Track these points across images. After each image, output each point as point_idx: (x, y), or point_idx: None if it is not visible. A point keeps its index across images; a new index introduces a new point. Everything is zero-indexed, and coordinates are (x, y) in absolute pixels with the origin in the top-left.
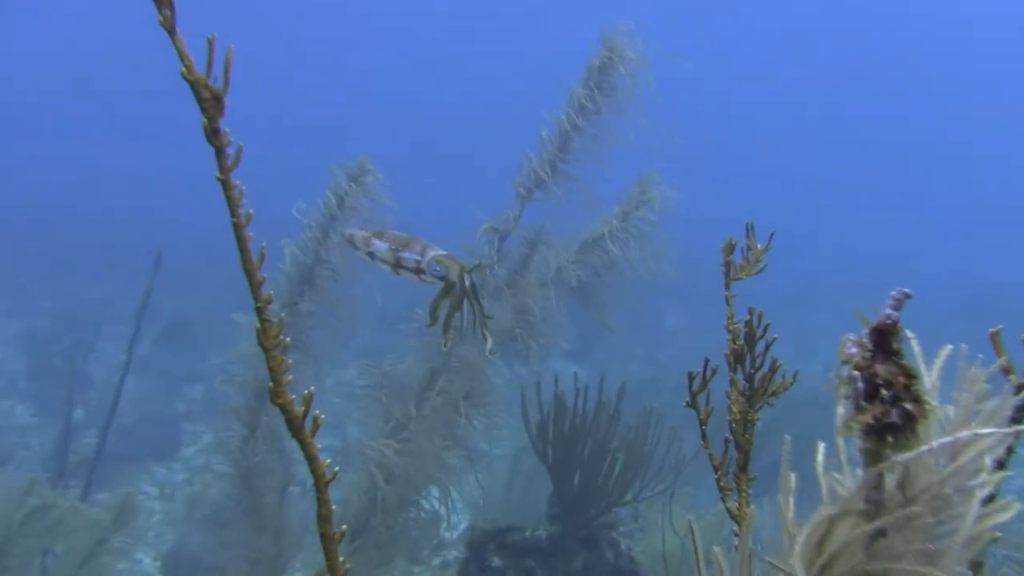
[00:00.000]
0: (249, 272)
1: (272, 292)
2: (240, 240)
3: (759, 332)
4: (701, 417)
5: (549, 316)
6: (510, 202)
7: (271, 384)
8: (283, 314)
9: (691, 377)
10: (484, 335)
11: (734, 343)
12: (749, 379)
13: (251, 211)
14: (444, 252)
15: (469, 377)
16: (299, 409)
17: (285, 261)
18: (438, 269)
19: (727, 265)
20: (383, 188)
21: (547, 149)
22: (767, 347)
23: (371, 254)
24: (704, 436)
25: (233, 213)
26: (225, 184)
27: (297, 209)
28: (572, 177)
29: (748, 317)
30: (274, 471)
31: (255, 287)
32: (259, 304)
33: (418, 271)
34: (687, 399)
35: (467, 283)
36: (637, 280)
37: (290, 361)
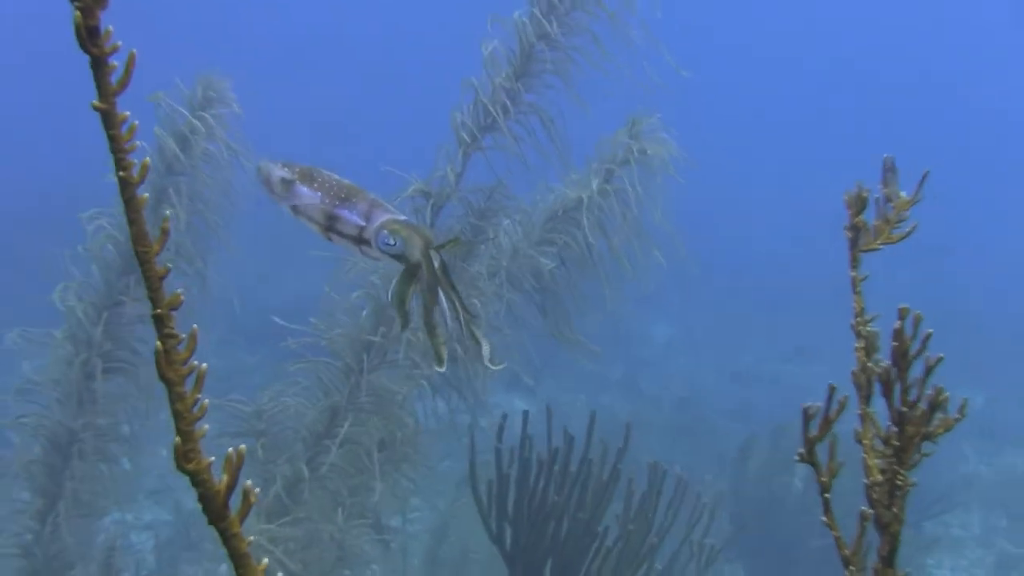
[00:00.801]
0: (144, 258)
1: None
2: (130, 206)
3: (915, 345)
4: (823, 478)
5: (500, 323)
6: (448, 153)
7: (177, 440)
8: (102, 321)
9: (807, 417)
10: (475, 338)
11: (867, 358)
12: (899, 419)
13: (148, 160)
14: (401, 217)
15: (385, 417)
16: (220, 482)
17: (97, 242)
18: (391, 243)
19: (855, 228)
20: (239, 125)
21: (501, 71)
22: (928, 371)
23: (293, 206)
24: (828, 509)
25: (119, 163)
26: (107, 116)
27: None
28: (538, 111)
29: (898, 324)
30: (83, 564)
31: (153, 280)
32: (159, 310)
33: (360, 241)
34: (799, 452)
35: (435, 265)
36: (618, 273)
37: (205, 402)
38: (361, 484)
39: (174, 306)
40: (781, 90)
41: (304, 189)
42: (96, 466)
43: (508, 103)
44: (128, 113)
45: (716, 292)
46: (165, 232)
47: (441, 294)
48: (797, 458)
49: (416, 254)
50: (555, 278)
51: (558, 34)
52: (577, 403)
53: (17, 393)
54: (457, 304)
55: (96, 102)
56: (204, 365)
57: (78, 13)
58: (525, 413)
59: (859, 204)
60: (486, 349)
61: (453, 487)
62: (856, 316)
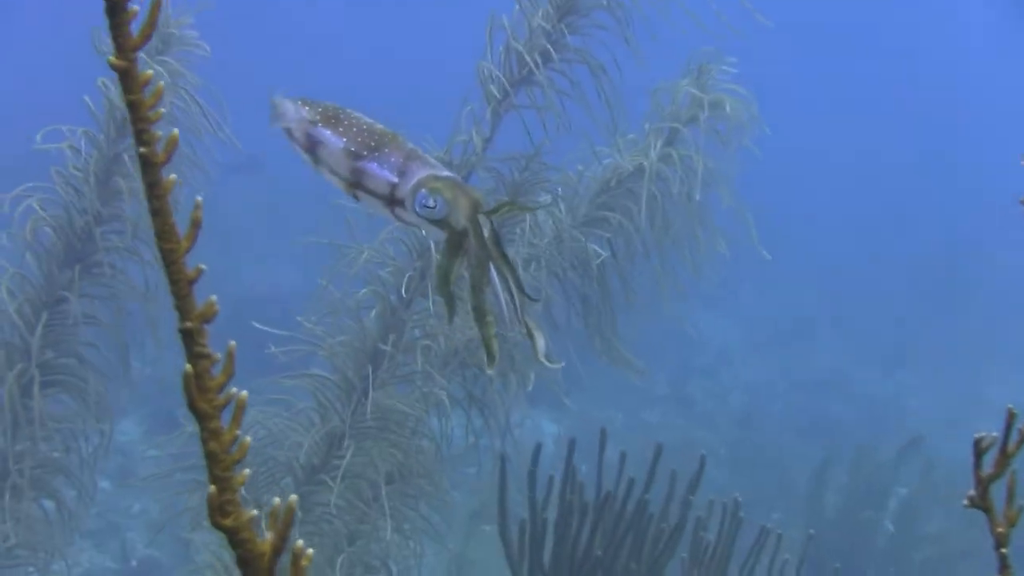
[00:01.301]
0: (170, 257)
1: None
2: (154, 192)
3: None
4: (1000, 528)
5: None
6: (474, 112)
7: (212, 490)
8: (41, 323)
9: (980, 450)
10: (527, 328)
11: None
12: None
13: (176, 133)
14: (444, 172)
15: (394, 444)
16: (264, 542)
17: (29, 227)
18: (431, 205)
19: None
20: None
21: (539, 7)
22: None
23: (313, 154)
24: (1005, 568)
25: (140, 136)
26: (126, 75)
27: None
28: (586, 58)
29: None
30: None
31: (181, 286)
32: (190, 323)
33: (393, 201)
34: (969, 495)
35: (485, 234)
36: (678, 262)
37: (246, 440)
38: (365, 527)
39: (207, 318)
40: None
41: (326, 133)
42: (34, 506)
43: (549, 48)
44: (151, 72)
45: (783, 284)
46: (197, 224)
47: (492, 270)
48: (966, 503)
49: (462, 219)
50: (604, 268)
51: None
52: (615, 421)
53: None
54: (512, 283)
55: (113, 58)
56: (244, 393)
57: None
58: (571, 443)
59: None
60: (541, 343)
61: (466, 520)
62: None
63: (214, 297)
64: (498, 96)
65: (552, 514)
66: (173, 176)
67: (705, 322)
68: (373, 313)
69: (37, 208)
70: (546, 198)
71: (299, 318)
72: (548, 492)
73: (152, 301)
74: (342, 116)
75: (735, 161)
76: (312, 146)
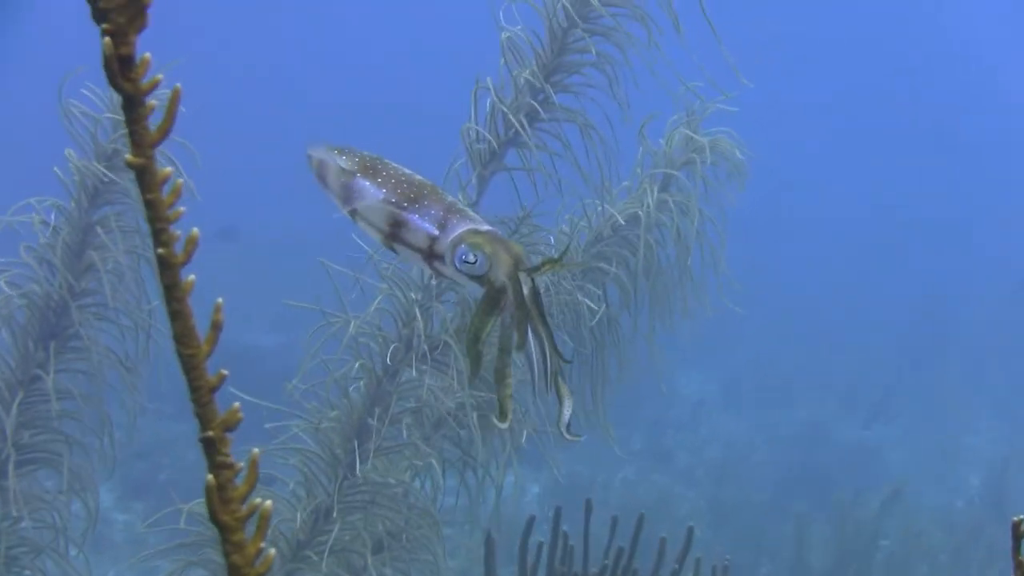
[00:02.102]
0: (191, 363)
1: None
2: (173, 294)
3: None
4: None
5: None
6: (460, 176)
7: None
8: (16, 403)
9: (1018, 533)
10: (559, 394)
11: None
12: None
13: (196, 232)
14: (485, 227)
15: (383, 516)
16: None
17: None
18: (472, 260)
19: None
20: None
21: (526, 68)
22: None
23: (350, 205)
24: None
25: (159, 236)
26: (143, 173)
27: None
28: (575, 117)
29: None
30: None
31: (203, 392)
32: (212, 432)
33: (432, 256)
34: None
35: (526, 292)
36: (666, 311)
37: (271, 553)
38: None
39: (231, 426)
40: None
41: (366, 183)
42: None
43: (537, 107)
44: (171, 170)
45: (758, 335)
46: (218, 328)
47: (529, 332)
48: None
49: (502, 276)
50: (599, 322)
51: (601, 15)
52: (596, 480)
53: None
54: (547, 345)
55: (130, 156)
56: (268, 503)
57: (108, 40)
58: (558, 512)
59: None
60: (567, 413)
61: None
62: None
63: (238, 404)
64: (485, 158)
65: None
66: (192, 277)
67: (681, 375)
68: (360, 385)
69: (4, 288)
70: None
71: (286, 384)
72: (536, 560)
73: (129, 370)
74: (380, 166)
75: (732, 204)
76: (349, 197)
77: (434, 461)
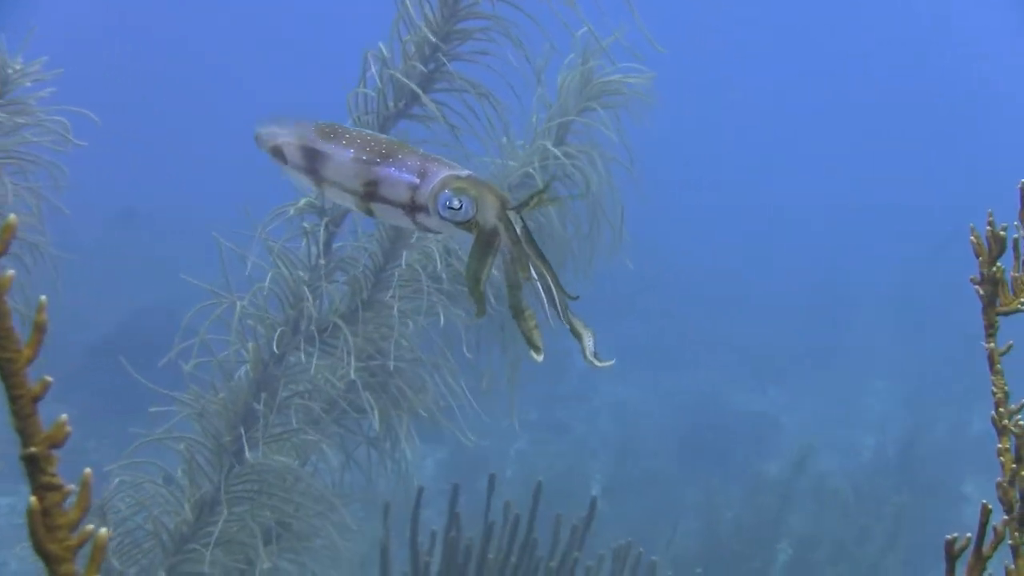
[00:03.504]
0: (9, 369)
1: None
2: None
3: None
4: None
5: (425, 356)
6: None
7: None
8: None
9: (952, 553)
10: (572, 326)
11: (1018, 466)
12: None
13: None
14: (464, 172)
15: (273, 505)
16: None
17: None
18: (457, 206)
19: (991, 281)
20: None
21: (413, 37)
22: None
23: (315, 174)
24: None
25: None
26: None
27: None
28: (472, 87)
29: None
30: None
31: (23, 404)
32: (34, 448)
33: (414, 209)
34: None
35: (517, 229)
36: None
37: None
38: None
39: (57, 442)
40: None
41: (331, 147)
42: None
43: (423, 68)
44: None
45: (643, 301)
46: (41, 329)
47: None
48: None
49: (491, 218)
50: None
51: None
52: (489, 450)
53: None
54: (551, 281)
55: None
56: (103, 532)
57: None
58: (455, 489)
59: (995, 248)
60: (590, 342)
61: (357, 570)
62: (998, 405)
63: (64, 417)
64: (373, 129)
65: (436, 563)
66: (10, 272)
67: (564, 344)
68: (244, 369)
69: None
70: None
71: (161, 362)
72: (432, 541)
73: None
74: (339, 130)
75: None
76: (314, 164)
77: (324, 446)
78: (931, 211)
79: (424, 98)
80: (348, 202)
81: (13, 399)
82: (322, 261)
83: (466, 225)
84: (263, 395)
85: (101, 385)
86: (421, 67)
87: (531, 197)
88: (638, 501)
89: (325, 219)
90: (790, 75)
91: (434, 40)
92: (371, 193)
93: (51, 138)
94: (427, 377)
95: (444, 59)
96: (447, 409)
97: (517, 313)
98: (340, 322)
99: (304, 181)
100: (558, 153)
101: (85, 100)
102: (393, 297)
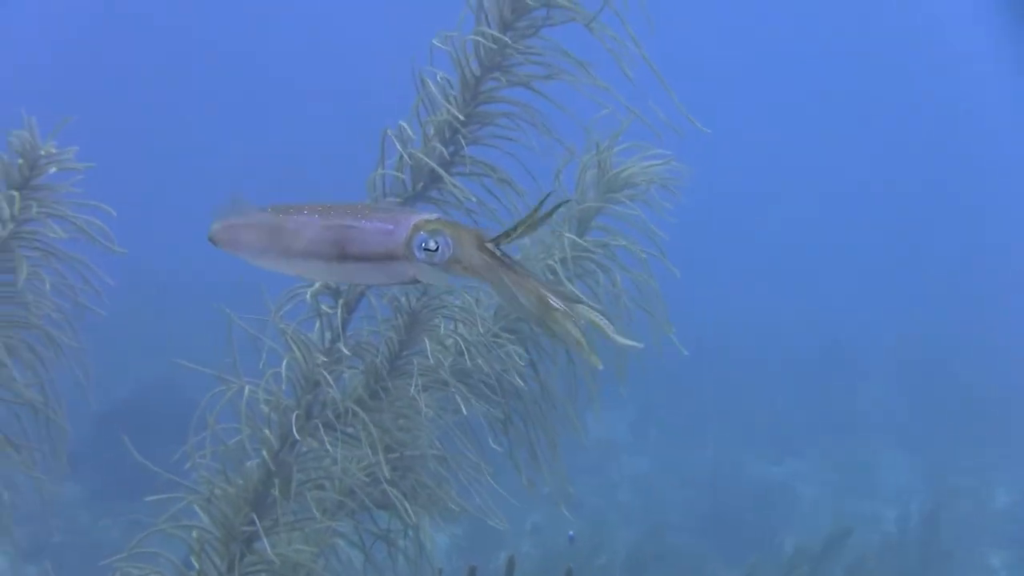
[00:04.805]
0: None
1: None
2: None
3: None
4: None
5: (442, 450)
6: None
7: None
8: None
9: None
10: (590, 319)
11: None
12: None
13: None
14: (433, 215)
15: None
16: None
17: None
18: (433, 247)
19: None
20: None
21: (438, 115)
22: None
23: (285, 252)
24: None
25: None
26: None
27: None
28: (490, 171)
29: None
30: None
31: None
32: None
33: (391, 259)
34: None
35: (498, 259)
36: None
37: None
38: None
39: None
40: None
41: (297, 219)
42: None
43: (444, 151)
44: None
45: (667, 372)
46: None
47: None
48: None
49: (473, 252)
50: (526, 378)
51: (516, 62)
52: (507, 534)
53: None
54: (556, 289)
55: None
56: None
57: None
58: (472, 572)
59: None
60: (609, 326)
61: None
62: None
63: None
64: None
65: None
66: None
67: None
68: (260, 455)
69: None
70: (447, 324)
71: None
72: None
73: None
74: (297, 206)
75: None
76: (285, 244)
77: (338, 538)
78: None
79: (447, 178)
80: (321, 273)
81: None
82: (340, 345)
83: (448, 266)
84: (276, 482)
85: (109, 461)
86: (441, 148)
87: (506, 232)
88: None
89: (341, 299)
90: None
91: (455, 122)
92: (344, 254)
93: (74, 234)
94: (445, 472)
95: (463, 142)
96: (463, 489)
97: (556, 334)
98: (357, 408)
99: (271, 263)
100: (582, 242)
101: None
102: (411, 386)
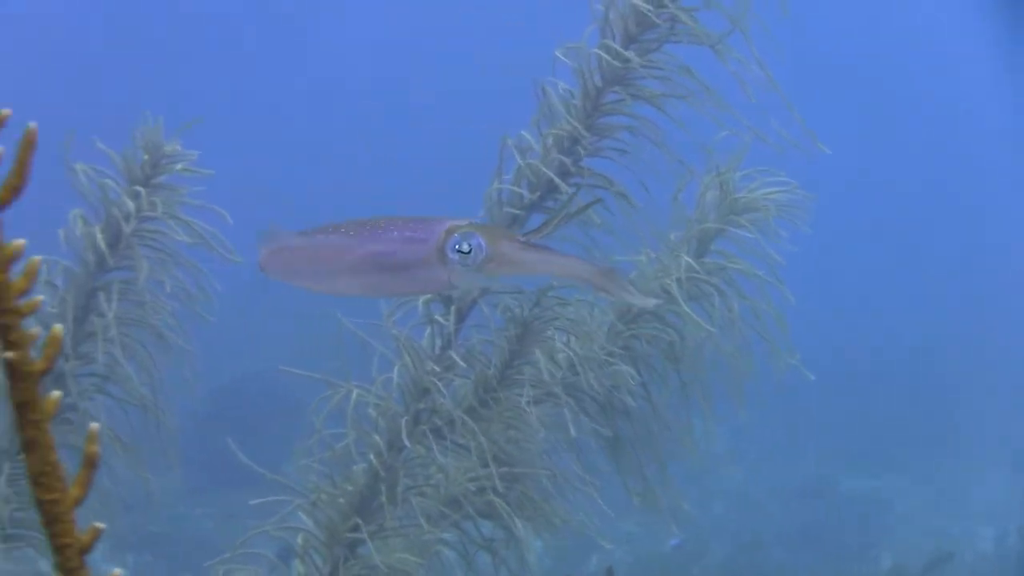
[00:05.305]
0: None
1: None
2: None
3: None
4: None
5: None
6: None
7: None
8: None
9: None
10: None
11: None
12: None
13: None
14: (463, 219)
15: None
16: None
17: None
18: (466, 249)
19: None
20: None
21: (558, 126)
22: None
23: (320, 269)
24: None
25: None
26: None
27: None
28: (606, 183)
29: None
30: None
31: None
32: None
33: (426, 264)
34: None
35: (535, 247)
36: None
37: None
38: None
39: None
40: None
41: (331, 240)
42: None
43: (567, 162)
44: (23, 243)
45: (752, 386)
46: (92, 462)
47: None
48: None
49: (506, 245)
50: (638, 398)
51: (639, 76)
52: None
53: None
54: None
55: None
56: None
57: None
58: None
59: None
60: (632, 292)
61: None
62: None
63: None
64: (506, 224)
65: None
66: (57, 394)
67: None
68: (367, 459)
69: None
70: (560, 336)
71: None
72: None
73: (127, 449)
74: (332, 226)
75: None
76: (318, 262)
77: (441, 546)
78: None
79: (564, 187)
80: (363, 288)
81: (58, 549)
82: (451, 353)
83: (483, 267)
84: (382, 487)
85: (203, 454)
86: (561, 158)
87: (542, 226)
88: None
89: (453, 305)
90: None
91: (575, 133)
92: (383, 265)
93: (194, 238)
94: (551, 486)
95: (582, 152)
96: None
97: (597, 287)
98: (466, 417)
99: (316, 284)
100: (696, 266)
101: None
102: (521, 397)
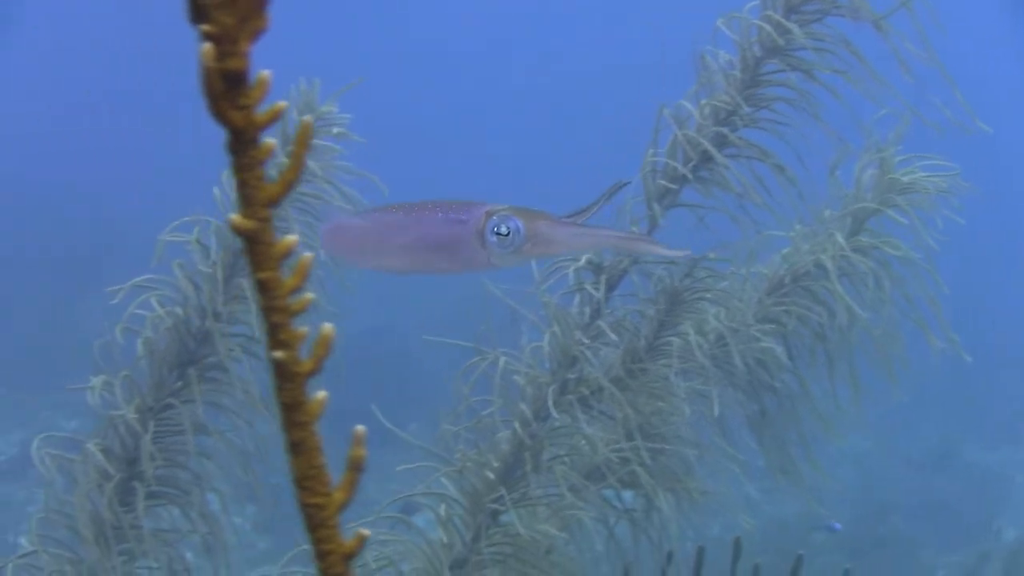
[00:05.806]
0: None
1: None
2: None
3: None
4: None
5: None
6: (631, 211)
7: None
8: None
9: None
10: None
11: None
12: None
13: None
14: (503, 204)
15: (522, 570)
16: None
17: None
18: (505, 231)
19: None
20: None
21: (716, 96)
22: None
23: (379, 247)
24: None
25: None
26: (255, 239)
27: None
28: (764, 155)
29: None
30: None
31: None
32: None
33: (466, 244)
34: None
35: (575, 225)
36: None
37: None
38: None
39: None
40: None
41: (383, 219)
42: None
43: (718, 129)
44: (295, 239)
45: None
46: (357, 466)
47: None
48: None
49: (543, 226)
50: (785, 373)
51: (798, 47)
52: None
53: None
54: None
55: (237, 217)
56: None
57: (208, 48)
58: (699, 552)
59: None
60: (664, 248)
61: None
62: None
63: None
64: (659, 193)
65: None
66: (323, 394)
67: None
68: (512, 427)
69: (157, 307)
70: (712, 310)
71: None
72: None
73: (271, 409)
74: (380, 207)
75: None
76: (372, 239)
77: (584, 517)
78: None
79: (719, 158)
80: (410, 265)
81: (321, 556)
82: (601, 322)
83: (521, 249)
84: (527, 456)
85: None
86: (716, 128)
87: (583, 210)
88: (876, 561)
89: (603, 275)
90: None
91: (731, 104)
92: (428, 245)
93: (345, 204)
94: (693, 459)
95: (739, 123)
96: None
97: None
98: (612, 387)
99: (369, 261)
100: (845, 246)
101: None
102: (669, 367)
